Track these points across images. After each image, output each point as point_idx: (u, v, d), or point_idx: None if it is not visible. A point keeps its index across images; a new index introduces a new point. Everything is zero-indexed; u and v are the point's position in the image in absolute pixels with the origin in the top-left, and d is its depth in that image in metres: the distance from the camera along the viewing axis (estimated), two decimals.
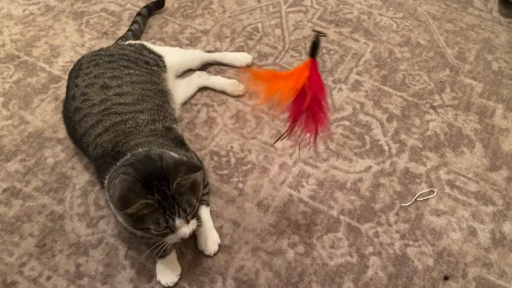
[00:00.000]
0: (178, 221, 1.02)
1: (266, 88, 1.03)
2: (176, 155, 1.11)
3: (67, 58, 1.69)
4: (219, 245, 1.26)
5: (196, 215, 1.08)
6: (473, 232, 1.31)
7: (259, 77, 1.09)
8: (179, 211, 1.01)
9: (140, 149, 1.12)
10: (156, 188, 0.99)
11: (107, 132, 1.20)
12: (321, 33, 0.95)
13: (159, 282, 1.20)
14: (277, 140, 1.26)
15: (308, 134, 1.07)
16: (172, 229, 1.03)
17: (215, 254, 1.25)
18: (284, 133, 1.10)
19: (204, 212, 1.27)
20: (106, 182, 1.13)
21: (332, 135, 1.50)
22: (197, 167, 1.03)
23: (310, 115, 1.04)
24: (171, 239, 1.06)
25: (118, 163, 1.11)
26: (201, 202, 1.11)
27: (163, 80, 1.43)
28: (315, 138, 1.08)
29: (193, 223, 1.06)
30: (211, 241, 1.25)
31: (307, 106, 1.00)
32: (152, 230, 1.01)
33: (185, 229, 1.04)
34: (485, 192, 1.39)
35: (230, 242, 1.28)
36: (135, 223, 1.01)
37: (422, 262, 1.26)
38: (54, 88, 1.60)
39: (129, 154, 1.12)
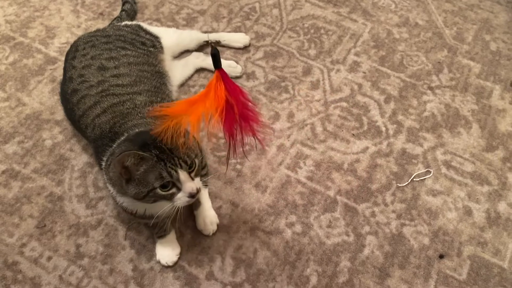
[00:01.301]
0: (181, 174, 0.99)
1: (190, 119, 0.95)
2: None
3: (63, 39, 1.68)
4: (218, 225, 1.28)
5: (199, 174, 1.05)
6: (468, 212, 1.33)
7: (174, 111, 0.98)
8: (179, 163, 0.98)
9: (137, 130, 1.12)
10: (151, 146, 0.97)
11: (105, 113, 1.19)
12: (214, 42, 0.91)
13: (158, 262, 1.22)
14: (227, 164, 1.29)
15: (249, 137, 1.00)
16: (178, 185, 1.00)
17: (213, 234, 1.27)
18: (228, 153, 1.01)
19: (203, 193, 1.28)
20: (104, 164, 1.13)
21: (329, 116, 1.50)
22: None
23: (243, 120, 0.98)
24: (179, 199, 1.01)
25: (115, 145, 1.11)
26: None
27: (160, 62, 1.42)
28: (256, 137, 1.01)
29: (198, 181, 1.03)
30: (210, 221, 1.26)
31: (239, 114, 0.95)
32: (158, 189, 0.98)
33: (191, 184, 1.00)
34: (481, 172, 1.41)
35: (229, 222, 1.29)
36: (139, 187, 0.98)
37: (418, 241, 1.28)
38: (50, 69, 1.59)
39: (126, 134, 1.11)
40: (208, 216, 1.26)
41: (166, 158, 0.97)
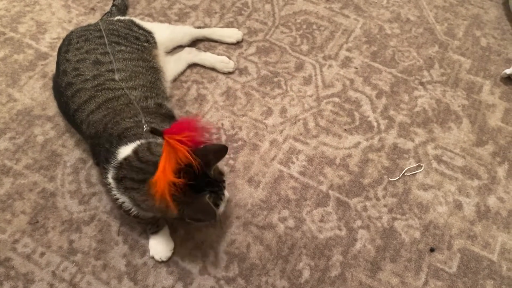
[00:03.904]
0: (226, 193, 1.14)
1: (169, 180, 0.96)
2: None
3: (54, 35, 1.67)
4: None
5: None
6: (458, 206, 1.35)
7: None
8: (223, 186, 1.10)
9: (138, 141, 1.10)
10: (202, 183, 1.02)
11: (99, 110, 1.19)
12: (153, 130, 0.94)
13: (152, 257, 1.22)
14: None
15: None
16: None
17: (206, 228, 1.27)
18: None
19: None
20: (111, 171, 1.10)
21: (322, 111, 1.51)
22: (224, 148, 1.06)
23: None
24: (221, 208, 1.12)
25: (114, 154, 1.10)
26: None
27: (154, 57, 1.42)
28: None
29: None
30: None
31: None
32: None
33: (226, 193, 1.15)
34: (471, 167, 1.42)
35: (222, 217, 1.30)
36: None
37: (409, 235, 1.29)
38: (42, 65, 1.58)
39: (125, 143, 1.10)
40: None
41: (217, 189, 1.07)
